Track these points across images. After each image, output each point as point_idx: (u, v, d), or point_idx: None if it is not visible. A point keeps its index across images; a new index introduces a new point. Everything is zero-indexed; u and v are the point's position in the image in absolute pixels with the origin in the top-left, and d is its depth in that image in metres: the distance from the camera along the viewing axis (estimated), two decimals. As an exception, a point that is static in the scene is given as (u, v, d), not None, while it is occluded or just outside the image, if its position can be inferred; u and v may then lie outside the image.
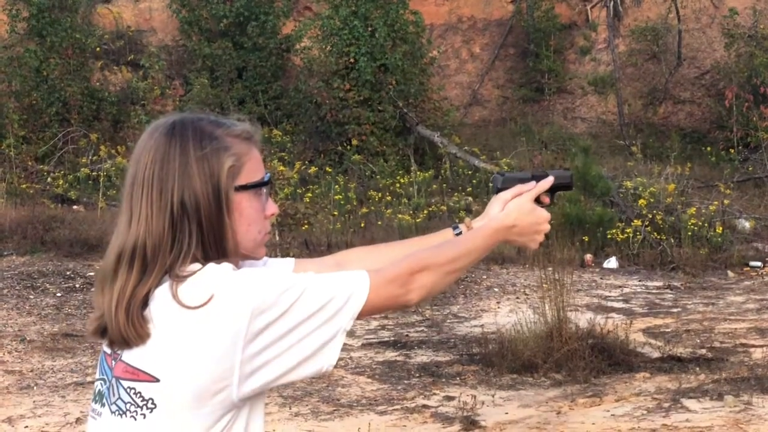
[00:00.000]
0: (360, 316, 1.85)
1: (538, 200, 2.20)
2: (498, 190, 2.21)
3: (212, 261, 1.79)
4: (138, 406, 1.77)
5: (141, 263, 1.78)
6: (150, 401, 1.75)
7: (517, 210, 2.14)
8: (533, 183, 2.20)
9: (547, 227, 2.18)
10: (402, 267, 1.89)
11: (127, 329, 1.75)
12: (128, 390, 1.78)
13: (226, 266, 1.77)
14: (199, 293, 1.73)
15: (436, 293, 2.00)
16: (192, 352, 1.71)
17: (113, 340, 1.79)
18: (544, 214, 2.17)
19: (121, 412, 1.79)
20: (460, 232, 2.21)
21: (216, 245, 1.82)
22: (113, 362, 1.82)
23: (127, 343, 1.76)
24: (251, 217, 1.87)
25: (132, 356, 1.77)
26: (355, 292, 1.81)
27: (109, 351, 1.84)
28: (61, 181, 15.76)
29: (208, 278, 1.75)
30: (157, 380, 1.74)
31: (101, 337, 1.84)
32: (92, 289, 9.77)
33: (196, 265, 1.78)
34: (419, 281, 1.89)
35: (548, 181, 2.21)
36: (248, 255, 1.88)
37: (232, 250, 1.84)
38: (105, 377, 1.85)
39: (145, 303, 1.76)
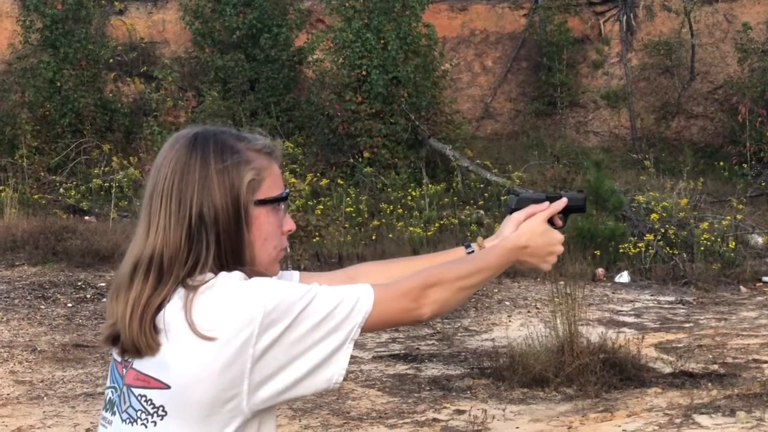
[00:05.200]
0: (373, 329, 1.85)
1: (551, 222, 2.19)
2: (512, 211, 2.21)
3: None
4: (149, 413, 1.77)
5: (157, 273, 1.78)
6: (161, 408, 1.76)
7: (529, 231, 2.14)
8: (546, 204, 2.20)
9: (560, 249, 2.17)
10: (415, 281, 1.90)
11: (140, 338, 1.75)
12: (139, 397, 1.78)
13: (236, 275, 1.78)
14: (209, 304, 1.74)
15: (448, 310, 2.00)
16: (202, 359, 1.71)
17: (125, 348, 1.79)
18: (557, 236, 2.17)
19: (132, 420, 1.79)
20: (473, 251, 2.21)
21: (232, 258, 1.82)
22: (124, 370, 1.82)
23: (138, 351, 1.77)
24: (269, 232, 1.87)
25: (143, 364, 1.78)
26: (359, 303, 1.82)
27: (119, 359, 1.84)
28: (73, 192, 15.82)
29: (218, 288, 1.75)
30: (168, 387, 1.74)
31: (113, 345, 1.85)
32: (103, 300, 9.78)
33: (209, 275, 1.78)
34: (432, 296, 1.90)
35: (562, 203, 2.21)
36: (263, 272, 1.87)
37: (248, 263, 1.85)
38: (116, 385, 1.85)
39: (158, 312, 1.77)
